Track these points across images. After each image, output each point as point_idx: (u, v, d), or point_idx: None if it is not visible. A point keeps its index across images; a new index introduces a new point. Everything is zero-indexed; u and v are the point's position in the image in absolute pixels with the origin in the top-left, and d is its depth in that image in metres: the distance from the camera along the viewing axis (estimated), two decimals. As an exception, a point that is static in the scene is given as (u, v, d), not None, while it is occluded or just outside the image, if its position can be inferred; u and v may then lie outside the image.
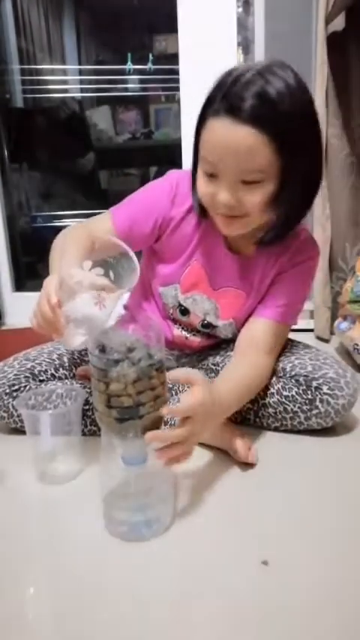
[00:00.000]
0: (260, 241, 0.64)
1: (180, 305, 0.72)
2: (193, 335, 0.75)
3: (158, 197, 0.66)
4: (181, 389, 0.74)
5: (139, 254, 0.74)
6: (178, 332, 0.75)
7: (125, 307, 0.87)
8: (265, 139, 0.51)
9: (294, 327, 0.71)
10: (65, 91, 1.84)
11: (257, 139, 0.51)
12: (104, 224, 0.65)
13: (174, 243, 0.68)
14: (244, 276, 0.68)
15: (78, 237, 0.58)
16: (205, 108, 0.55)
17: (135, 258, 0.53)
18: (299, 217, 0.62)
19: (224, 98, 0.52)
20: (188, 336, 0.75)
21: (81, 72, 1.92)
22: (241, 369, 0.62)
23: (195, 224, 0.67)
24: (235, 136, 0.51)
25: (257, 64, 0.53)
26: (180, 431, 0.48)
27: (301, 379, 0.65)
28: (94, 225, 0.65)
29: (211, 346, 0.78)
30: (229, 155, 0.53)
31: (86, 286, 0.48)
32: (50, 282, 0.52)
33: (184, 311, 0.72)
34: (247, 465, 0.61)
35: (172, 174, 0.68)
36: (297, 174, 0.55)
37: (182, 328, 0.75)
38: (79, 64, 1.99)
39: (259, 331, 0.66)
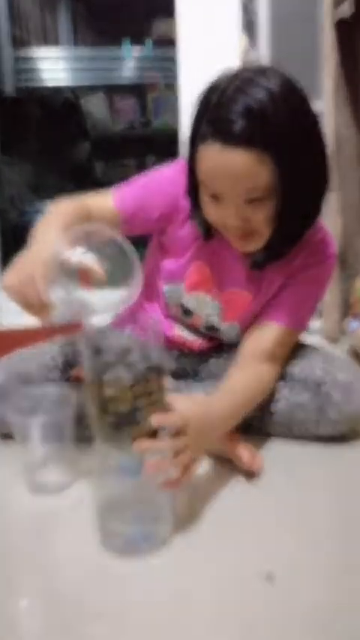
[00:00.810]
0: (254, 264, 0.61)
1: (183, 305, 0.69)
2: (194, 336, 0.72)
3: (168, 184, 0.62)
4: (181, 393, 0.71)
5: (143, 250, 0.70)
6: (178, 332, 0.72)
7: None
8: (261, 156, 0.49)
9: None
10: (59, 79, 1.79)
11: (252, 159, 0.49)
12: (104, 203, 0.61)
13: (181, 237, 0.65)
14: (251, 276, 0.65)
15: (72, 209, 0.54)
16: (193, 131, 0.54)
17: (138, 266, 0.49)
18: (305, 227, 0.58)
19: (209, 122, 0.50)
20: (189, 337, 0.72)
21: (76, 59, 1.87)
22: (243, 380, 0.59)
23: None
24: (230, 161, 0.50)
25: (239, 75, 0.50)
26: (171, 441, 0.45)
27: (310, 384, 0.62)
28: (91, 203, 0.60)
29: (212, 348, 0.75)
30: (227, 181, 0.51)
31: (73, 267, 0.45)
32: (37, 264, 0.47)
33: (187, 311, 0.69)
34: (251, 474, 0.58)
35: (183, 161, 0.64)
36: (300, 182, 0.53)
37: (183, 328, 0.72)
38: (74, 50, 1.94)
39: (266, 336, 0.63)
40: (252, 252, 0.63)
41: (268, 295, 0.65)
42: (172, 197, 0.62)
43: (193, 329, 0.72)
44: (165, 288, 0.69)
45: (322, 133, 0.55)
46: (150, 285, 0.71)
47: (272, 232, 0.55)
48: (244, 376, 0.59)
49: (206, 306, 0.68)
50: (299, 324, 0.64)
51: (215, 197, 0.54)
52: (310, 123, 0.53)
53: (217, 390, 0.58)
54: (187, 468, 0.47)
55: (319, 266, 0.64)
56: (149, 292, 0.72)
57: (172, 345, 0.73)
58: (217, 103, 0.50)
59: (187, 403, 0.49)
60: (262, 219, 0.54)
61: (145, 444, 0.44)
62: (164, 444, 0.45)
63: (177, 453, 0.45)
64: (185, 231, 0.64)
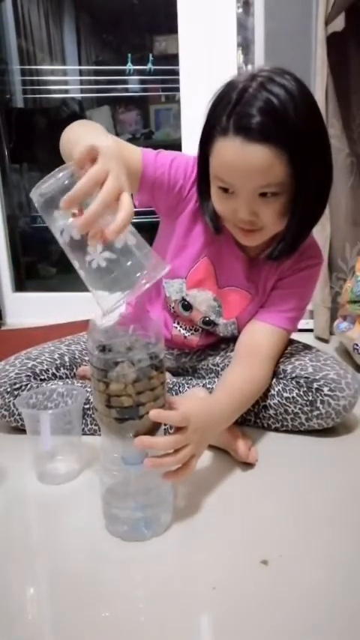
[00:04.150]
0: (270, 255, 0.63)
1: (183, 300, 0.71)
2: (192, 334, 0.75)
3: (188, 167, 0.63)
4: (181, 390, 0.74)
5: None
6: (176, 332, 0.75)
7: (128, 303, 0.86)
8: (279, 153, 0.51)
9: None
10: (65, 91, 1.84)
11: (271, 155, 0.51)
12: (134, 151, 0.60)
13: (186, 232, 0.67)
14: (250, 277, 0.68)
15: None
16: (210, 125, 0.55)
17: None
18: (313, 223, 0.61)
19: (230, 117, 0.52)
20: (187, 335, 0.75)
21: (81, 72, 1.92)
22: (239, 379, 0.61)
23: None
24: (249, 156, 0.52)
25: (258, 74, 0.52)
26: (171, 439, 0.47)
27: (301, 381, 0.65)
28: (122, 143, 0.59)
29: (210, 346, 0.77)
30: (244, 175, 0.53)
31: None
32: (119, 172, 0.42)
33: (187, 306, 0.71)
34: (247, 465, 0.61)
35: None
36: (311, 181, 0.55)
37: (181, 327, 0.75)
38: (79, 64, 1.99)
39: (260, 337, 0.66)
40: (255, 253, 0.66)
41: (264, 295, 0.68)
42: (189, 176, 0.62)
43: (190, 326, 0.74)
44: (165, 282, 0.71)
45: (328, 135, 0.57)
46: (153, 287, 0.75)
47: (284, 227, 0.57)
48: (241, 376, 0.62)
49: (207, 303, 0.70)
50: (290, 324, 0.67)
51: (226, 191, 0.55)
52: (321, 126, 0.56)
53: (215, 389, 0.61)
54: (186, 464, 0.48)
55: (309, 269, 0.67)
56: (152, 292, 0.75)
57: (171, 343, 0.76)
58: (238, 99, 0.51)
59: (188, 402, 0.51)
60: (271, 214, 0.55)
61: (147, 440, 0.44)
62: (164, 440, 0.46)
63: (177, 450, 0.47)
64: (192, 224, 0.66)
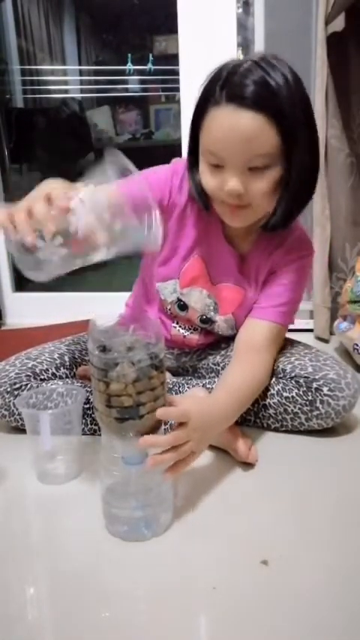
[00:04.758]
0: (265, 226, 0.62)
1: (179, 300, 0.72)
2: (191, 333, 0.75)
3: (166, 178, 0.65)
4: (181, 390, 0.74)
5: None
6: (175, 331, 0.75)
7: (126, 304, 0.87)
8: (269, 121, 0.52)
9: (293, 327, 0.71)
10: (65, 91, 1.84)
11: (262, 122, 0.52)
12: (109, 190, 0.63)
13: (176, 234, 0.68)
14: (242, 271, 0.68)
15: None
16: (202, 101, 0.56)
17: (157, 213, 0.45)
18: (302, 204, 0.62)
19: (224, 88, 0.53)
20: (186, 334, 0.75)
21: (81, 72, 1.92)
22: (239, 378, 0.61)
23: (197, 216, 0.67)
24: (240, 121, 0.52)
25: (252, 56, 0.54)
26: (171, 435, 0.48)
27: (301, 380, 0.65)
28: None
29: (210, 345, 0.78)
30: (234, 141, 0.53)
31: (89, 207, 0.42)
32: (55, 187, 0.46)
33: (183, 306, 0.72)
34: (247, 465, 0.61)
35: (178, 160, 0.68)
36: (300, 159, 0.56)
37: (180, 327, 0.75)
38: (79, 64, 1.99)
39: (257, 334, 0.66)
40: (245, 249, 0.66)
41: (258, 288, 0.69)
42: (168, 189, 0.65)
43: (189, 325, 0.74)
44: (158, 285, 0.72)
45: (316, 123, 0.58)
46: (149, 289, 0.75)
47: (274, 205, 0.58)
48: (240, 375, 0.62)
49: (202, 300, 0.71)
50: (286, 319, 0.68)
51: (217, 167, 0.56)
52: (310, 109, 0.57)
53: (215, 389, 0.61)
54: (185, 460, 0.49)
55: (300, 261, 0.67)
56: (149, 295, 0.76)
57: (171, 343, 0.76)
58: (232, 72, 0.53)
59: (189, 401, 0.52)
60: (259, 189, 0.55)
61: (149, 439, 0.46)
62: (165, 437, 0.47)
63: (176, 446, 0.47)
64: (180, 227, 0.67)
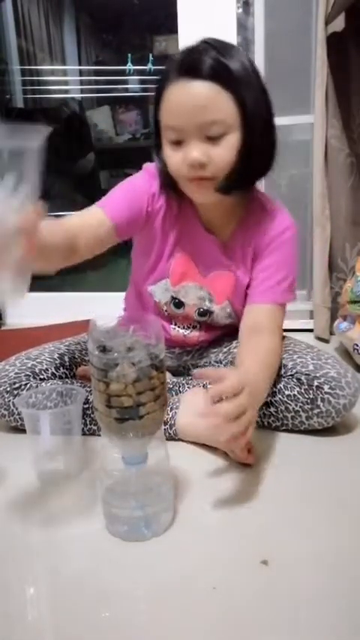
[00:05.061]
0: (222, 188, 0.61)
1: (173, 299, 0.72)
2: (191, 331, 0.75)
3: (143, 185, 0.67)
4: (181, 390, 0.74)
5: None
6: (175, 332, 0.76)
7: (124, 309, 0.87)
8: (223, 90, 0.55)
9: (293, 327, 0.72)
10: (65, 91, 1.84)
11: (216, 89, 0.55)
12: (97, 219, 0.63)
13: (159, 235, 0.69)
14: (228, 256, 0.69)
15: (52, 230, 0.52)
16: (160, 85, 0.58)
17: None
18: (259, 173, 0.63)
19: (180, 67, 0.55)
20: (186, 333, 0.76)
21: (81, 72, 1.92)
22: (255, 353, 0.62)
23: (176, 215, 0.68)
24: (194, 90, 0.55)
25: (206, 40, 0.57)
26: (233, 405, 0.47)
27: (302, 378, 0.65)
28: (79, 222, 0.62)
29: (211, 342, 0.78)
30: (189, 110, 0.55)
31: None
32: None
33: (178, 304, 0.72)
34: (245, 465, 0.61)
35: (149, 165, 0.69)
36: (256, 124, 0.58)
37: (179, 326, 0.75)
38: (79, 64, 1.99)
39: (260, 318, 0.67)
40: (226, 235, 0.68)
41: (247, 267, 0.69)
42: (149, 195, 0.67)
43: (188, 323, 0.75)
44: (150, 288, 0.73)
45: (270, 100, 0.60)
46: (141, 293, 0.75)
47: (233, 168, 0.58)
48: (255, 349, 0.62)
49: (196, 294, 0.71)
50: (285, 296, 0.68)
51: (178, 143, 0.58)
52: (263, 85, 0.59)
53: (240, 364, 0.61)
54: (248, 427, 0.49)
55: (282, 235, 0.68)
56: (143, 301, 0.76)
57: (173, 343, 0.76)
58: (187, 52, 0.56)
59: (234, 373, 0.52)
60: (220, 156, 0.57)
61: (216, 388, 0.47)
62: (227, 406, 0.47)
63: (239, 414, 0.48)
64: (162, 228, 0.68)
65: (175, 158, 0.59)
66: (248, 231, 0.68)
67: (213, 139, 0.56)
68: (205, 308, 0.72)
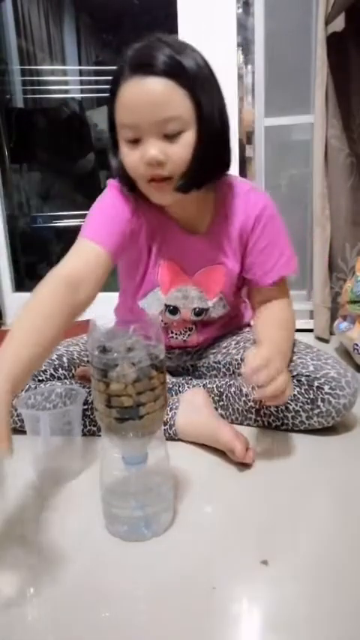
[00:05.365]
0: (181, 187, 0.59)
1: (167, 306, 0.72)
2: (189, 335, 0.75)
3: (122, 205, 0.64)
4: (181, 390, 0.74)
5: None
6: (174, 340, 0.76)
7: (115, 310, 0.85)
8: (178, 86, 0.54)
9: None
10: (65, 91, 1.84)
11: (169, 85, 0.53)
12: (91, 254, 0.60)
13: (144, 250, 0.68)
14: (212, 248, 0.69)
15: (50, 306, 0.53)
16: (114, 82, 0.57)
17: None
18: (212, 173, 0.62)
19: (133, 63, 0.54)
20: (185, 338, 0.76)
21: (81, 72, 1.92)
22: (271, 319, 0.67)
23: (156, 225, 0.67)
24: (148, 86, 0.53)
25: (158, 36, 0.55)
26: (265, 374, 0.54)
27: (302, 379, 0.65)
28: (75, 265, 0.59)
29: (211, 344, 0.78)
30: (144, 106, 0.54)
31: None
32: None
33: (174, 310, 0.72)
34: (245, 465, 0.61)
35: (113, 181, 0.66)
36: (212, 122, 0.57)
37: (177, 333, 0.75)
38: (79, 64, 1.99)
39: (270, 294, 0.70)
40: (203, 228, 0.67)
41: (235, 252, 0.69)
42: (127, 212, 0.64)
43: (184, 327, 0.74)
44: (142, 303, 0.72)
45: (223, 96, 0.59)
46: (134, 311, 0.74)
47: (189, 166, 0.57)
48: (272, 314, 0.68)
49: (188, 297, 0.71)
50: (287, 269, 0.69)
51: (134, 142, 0.56)
52: (217, 81, 0.58)
53: (262, 336, 0.65)
54: (285, 392, 0.56)
55: (263, 219, 0.67)
56: (136, 316, 0.75)
57: (173, 348, 0.76)
58: (137, 48, 0.55)
59: (259, 350, 0.57)
60: (178, 154, 0.56)
61: (259, 374, 0.53)
62: (262, 376, 0.54)
63: (275, 378, 0.54)
64: (143, 239, 0.67)
65: (132, 157, 0.58)
66: (227, 219, 0.67)
67: (170, 137, 0.55)
68: (200, 307, 0.72)
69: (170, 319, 0.73)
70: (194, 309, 0.72)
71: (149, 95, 0.54)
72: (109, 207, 0.65)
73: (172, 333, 0.75)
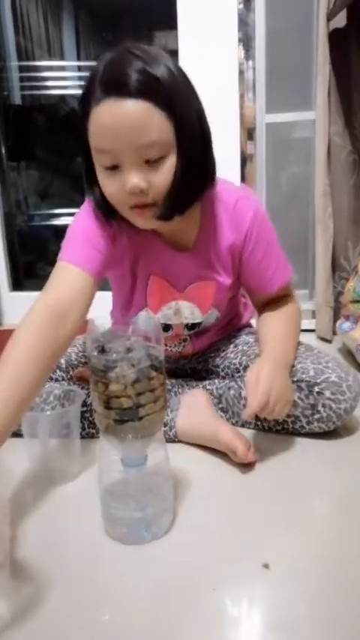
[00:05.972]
0: (162, 216, 0.56)
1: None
2: (184, 347, 0.75)
3: (100, 224, 0.61)
4: (181, 391, 0.73)
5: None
6: (169, 352, 0.75)
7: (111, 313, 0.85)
8: (155, 107, 0.50)
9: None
10: (64, 87, 1.83)
11: (147, 108, 0.50)
12: (71, 278, 0.57)
13: (127, 272, 0.67)
14: (200, 266, 0.66)
15: (37, 339, 0.51)
16: (84, 104, 0.52)
17: None
18: (192, 198, 0.58)
19: (103, 83, 0.50)
20: (180, 350, 0.75)
21: (80, 69, 1.91)
22: (277, 321, 0.68)
23: (139, 244, 0.64)
24: (124, 110, 0.49)
25: (127, 47, 0.51)
26: (257, 401, 0.56)
27: (302, 384, 0.64)
28: (58, 294, 0.56)
29: (209, 349, 0.77)
30: (123, 131, 0.50)
31: None
32: None
33: (166, 328, 0.71)
34: (246, 467, 0.60)
35: (89, 202, 0.62)
36: (194, 142, 0.54)
37: (171, 347, 0.74)
38: (78, 60, 1.98)
39: (271, 299, 0.71)
40: (190, 243, 0.64)
41: (225, 266, 0.67)
42: (107, 230, 0.61)
43: (178, 341, 0.73)
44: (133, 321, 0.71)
45: (204, 112, 0.56)
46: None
47: (170, 191, 0.54)
48: (275, 316, 0.68)
49: (179, 312, 0.70)
50: (286, 273, 0.70)
51: (113, 169, 0.52)
52: (197, 95, 0.54)
53: (264, 342, 0.65)
54: (284, 406, 0.59)
55: (254, 229, 0.64)
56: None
57: (169, 358, 0.75)
58: (107, 65, 0.50)
59: (260, 378, 0.57)
60: (160, 182, 0.52)
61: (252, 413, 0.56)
62: (253, 403, 0.56)
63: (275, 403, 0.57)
64: (127, 260, 0.65)
65: (112, 186, 0.54)
66: (215, 233, 0.64)
67: (151, 163, 0.52)
68: (192, 322, 0.71)
69: (164, 335, 0.72)
70: (186, 324, 0.71)
71: (126, 119, 0.49)
72: (88, 227, 0.61)
73: (166, 346, 0.74)
